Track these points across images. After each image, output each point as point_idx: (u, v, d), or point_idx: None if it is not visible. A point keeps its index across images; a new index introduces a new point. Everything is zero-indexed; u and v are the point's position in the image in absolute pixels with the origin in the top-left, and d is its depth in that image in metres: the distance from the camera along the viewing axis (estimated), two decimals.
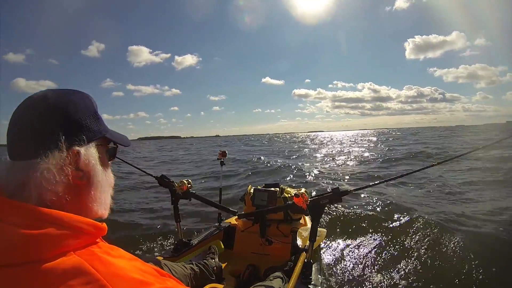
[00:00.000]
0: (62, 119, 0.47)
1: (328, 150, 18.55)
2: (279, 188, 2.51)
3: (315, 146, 24.87)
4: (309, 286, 1.51)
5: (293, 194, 1.72)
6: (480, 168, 8.08)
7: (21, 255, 0.38)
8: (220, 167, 2.72)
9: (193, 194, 2.01)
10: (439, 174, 7.35)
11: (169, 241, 3.58)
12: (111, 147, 0.57)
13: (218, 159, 2.67)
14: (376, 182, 1.72)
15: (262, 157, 13.92)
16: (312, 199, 1.55)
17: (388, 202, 5.08)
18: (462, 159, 9.17)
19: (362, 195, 5.49)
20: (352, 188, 1.58)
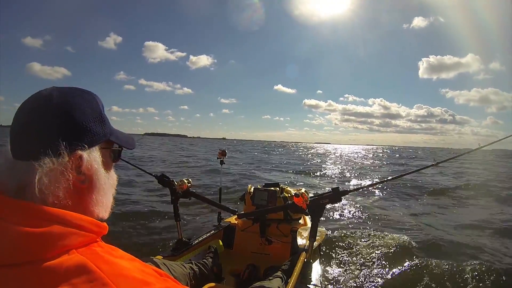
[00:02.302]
0: (65, 123, 0.47)
1: None
2: (279, 187, 2.51)
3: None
4: (309, 286, 1.51)
5: (293, 194, 1.72)
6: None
7: (23, 254, 0.38)
8: (220, 166, 2.72)
9: (193, 193, 2.01)
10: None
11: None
12: (115, 149, 0.57)
13: (217, 158, 2.67)
14: (375, 182, 1.72)
15: None
16: (312, 199, 1.55)
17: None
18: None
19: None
20: (352, 188, 1.58)
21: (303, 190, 1.63)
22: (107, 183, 0.53)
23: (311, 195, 1.60)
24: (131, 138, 0.61)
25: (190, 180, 1.99)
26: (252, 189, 2.50)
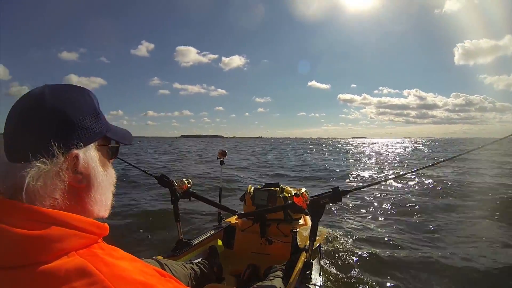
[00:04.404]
0: (59, 121, 0.45)
1: None
2: (279, 187, 2.51)
3: None
4: (309, 285, 1.51)
5: (293, 194, 1.72)
6: None
7: (22, 257, 0.37)
8: (220, 166, 2.72)
9: (193, 193, 2.01)
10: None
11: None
12: (112, 146, 0.55)
13: (218, 158, 2.67)
14: (375, 182, 1.72)
15: None
16: (312, 198, 1.55)
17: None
18: None
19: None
20: (352, 188, 1.58)
21: (303, 190, 1.63)
22: (106, 181, 0.52)
23: (311, 194, 1.60)
24: (128, 133, 0.59)
25: (190, 180, 2.00)
26: (252, 189, 2.50)
